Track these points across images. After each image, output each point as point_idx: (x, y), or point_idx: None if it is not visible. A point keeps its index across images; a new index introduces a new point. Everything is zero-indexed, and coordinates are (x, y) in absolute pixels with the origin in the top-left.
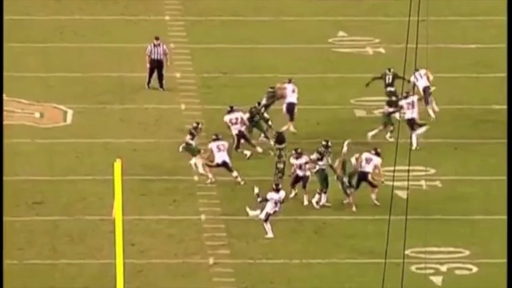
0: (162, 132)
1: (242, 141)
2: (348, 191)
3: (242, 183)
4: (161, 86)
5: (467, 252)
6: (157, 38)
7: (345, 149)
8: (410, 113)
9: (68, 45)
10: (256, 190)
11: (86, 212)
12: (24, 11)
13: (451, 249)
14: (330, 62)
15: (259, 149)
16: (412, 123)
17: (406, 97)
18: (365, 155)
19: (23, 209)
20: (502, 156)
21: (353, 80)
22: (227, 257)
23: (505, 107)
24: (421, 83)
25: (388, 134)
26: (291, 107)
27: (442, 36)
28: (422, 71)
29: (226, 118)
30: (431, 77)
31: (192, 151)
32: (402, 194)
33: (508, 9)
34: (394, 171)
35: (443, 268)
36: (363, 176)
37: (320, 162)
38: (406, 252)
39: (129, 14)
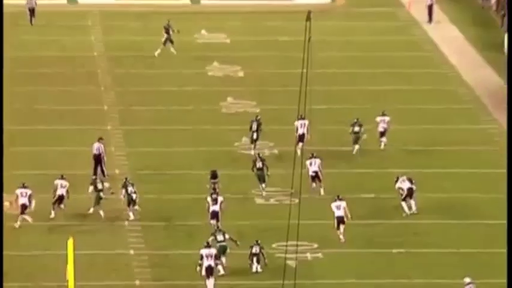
0: (105, 217)
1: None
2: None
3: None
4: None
5: None
6: (101, 138)
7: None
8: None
9: (31, 148)
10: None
11: (45, 279)
12: None
13: None
14: (235, 161)
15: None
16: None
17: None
18: (334, 204)
19: None
20: (370, 235)
21: (252, 175)
22: None
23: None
24: (300, 131)
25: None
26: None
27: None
28: (306, 121)
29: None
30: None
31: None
32: (291, 263)
33: (509, 9)
34: (286, 245)
35: None
36: (340, 220)
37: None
38: None
39: (79, 124)
